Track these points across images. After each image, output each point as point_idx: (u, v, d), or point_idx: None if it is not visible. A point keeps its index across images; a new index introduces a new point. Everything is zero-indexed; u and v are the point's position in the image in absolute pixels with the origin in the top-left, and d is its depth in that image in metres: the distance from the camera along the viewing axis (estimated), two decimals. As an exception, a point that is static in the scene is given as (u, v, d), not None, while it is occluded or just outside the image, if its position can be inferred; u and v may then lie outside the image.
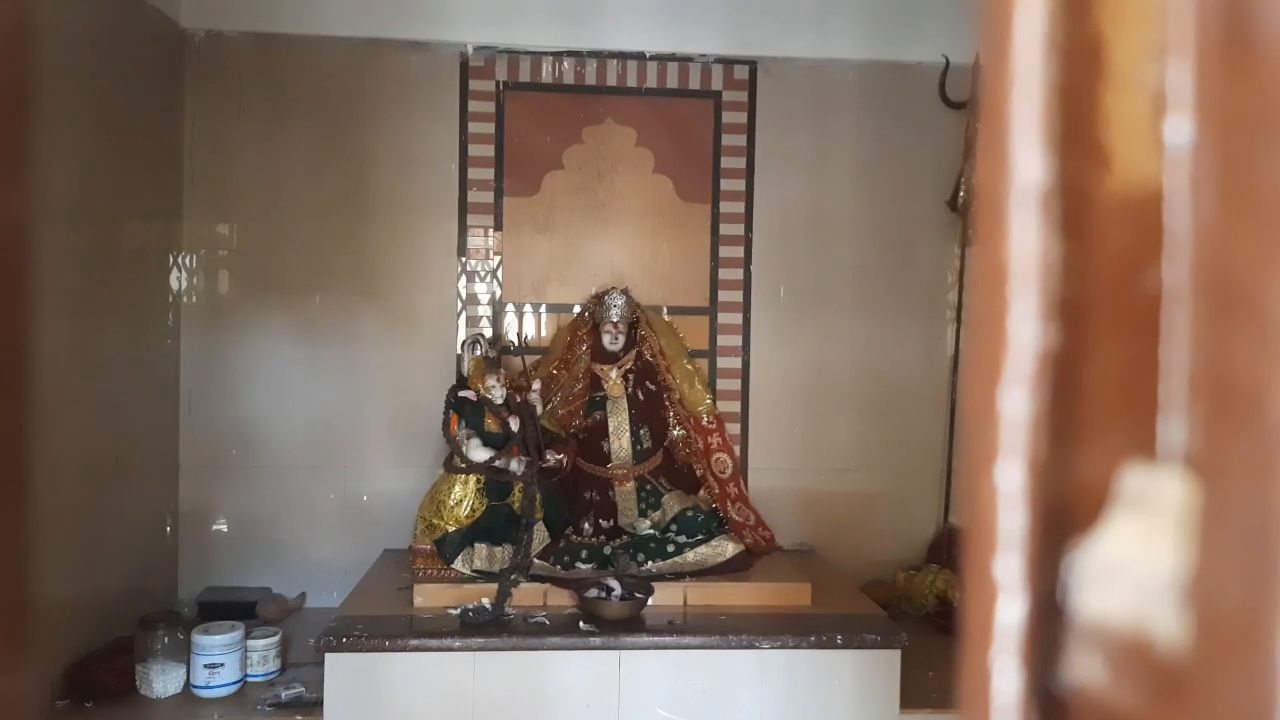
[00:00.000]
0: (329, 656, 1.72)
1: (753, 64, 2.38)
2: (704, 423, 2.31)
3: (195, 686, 1.82)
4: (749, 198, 2.39)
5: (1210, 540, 0.11)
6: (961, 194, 2.36)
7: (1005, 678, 0.10)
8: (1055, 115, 0.10)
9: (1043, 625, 0.10)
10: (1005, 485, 0.11)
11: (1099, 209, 0.10)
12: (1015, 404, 0.10)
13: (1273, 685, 0.10)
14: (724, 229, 2.40)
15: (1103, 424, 0.11)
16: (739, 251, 2.41)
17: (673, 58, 2.37)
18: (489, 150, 2.35)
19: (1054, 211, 0.10)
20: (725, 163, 2.39)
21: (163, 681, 1.82)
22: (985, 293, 0.11)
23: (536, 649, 1.74)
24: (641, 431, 2.22)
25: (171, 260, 2.26)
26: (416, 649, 1.74)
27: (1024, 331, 0.10)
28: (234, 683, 1.84)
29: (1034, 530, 0.10)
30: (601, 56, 2.35)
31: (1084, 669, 0.10)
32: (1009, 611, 0.10)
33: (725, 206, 2.39)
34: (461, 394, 2.04)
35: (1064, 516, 0.10)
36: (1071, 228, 0.10)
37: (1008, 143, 0.11)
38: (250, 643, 1.89)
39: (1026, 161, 0.10)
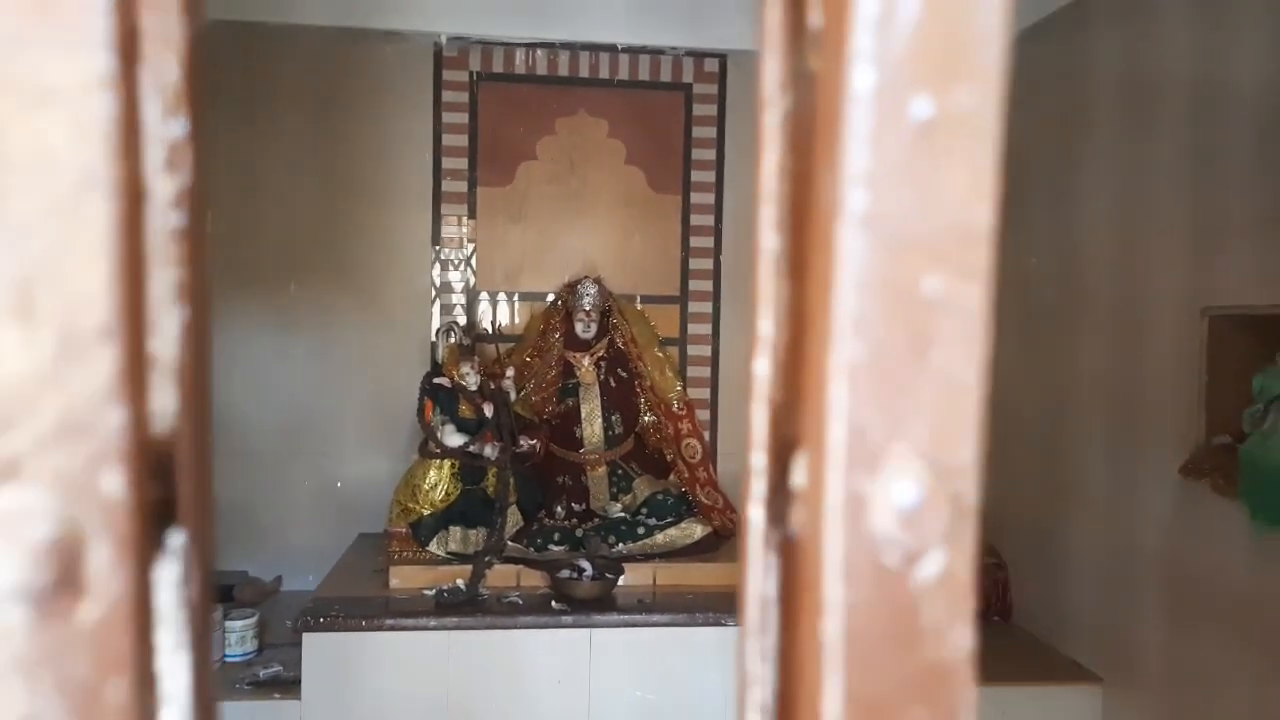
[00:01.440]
0: (306, 636, 1.80)
1: (722, 57, 2.47)
2: (674, 409, 2.40)
3: (174, 667, 1.89)
4: (719, 189, 2.48)
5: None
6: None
7: (755, 521, 0.18)
8: (784, 212, 0.18)
9: (778, 490, 0.19)
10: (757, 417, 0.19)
11: (798, 263, 0.18)
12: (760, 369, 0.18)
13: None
14: (694, 219, 2.49)
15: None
16: (709, 242, 2.51)
17: (644, 50, 2.45)
18: (463, 140, 2.42)
19: (780, 263, 0.18)
20: (696, 154, 2.48)
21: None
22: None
23: (510, 628, 1.83)
24: (613, 417, 2.31)
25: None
26: (393, 628, 1.83)
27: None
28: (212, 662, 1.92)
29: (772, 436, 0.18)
30: (574, 48, 2.42)
31: (797, 520, 0.19)
32: (758, 480, 0.18)
33: (696, 197, 2.49)
34: (436, 381, 2.12)
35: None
36: (791, 272, 0.19)
37: (758, 222, 0.19)
38: (228, 624, 1.96)
39: (767, 236, 0.19)
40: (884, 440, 0.17)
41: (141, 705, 0.17)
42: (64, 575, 0.16)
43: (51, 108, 0.16)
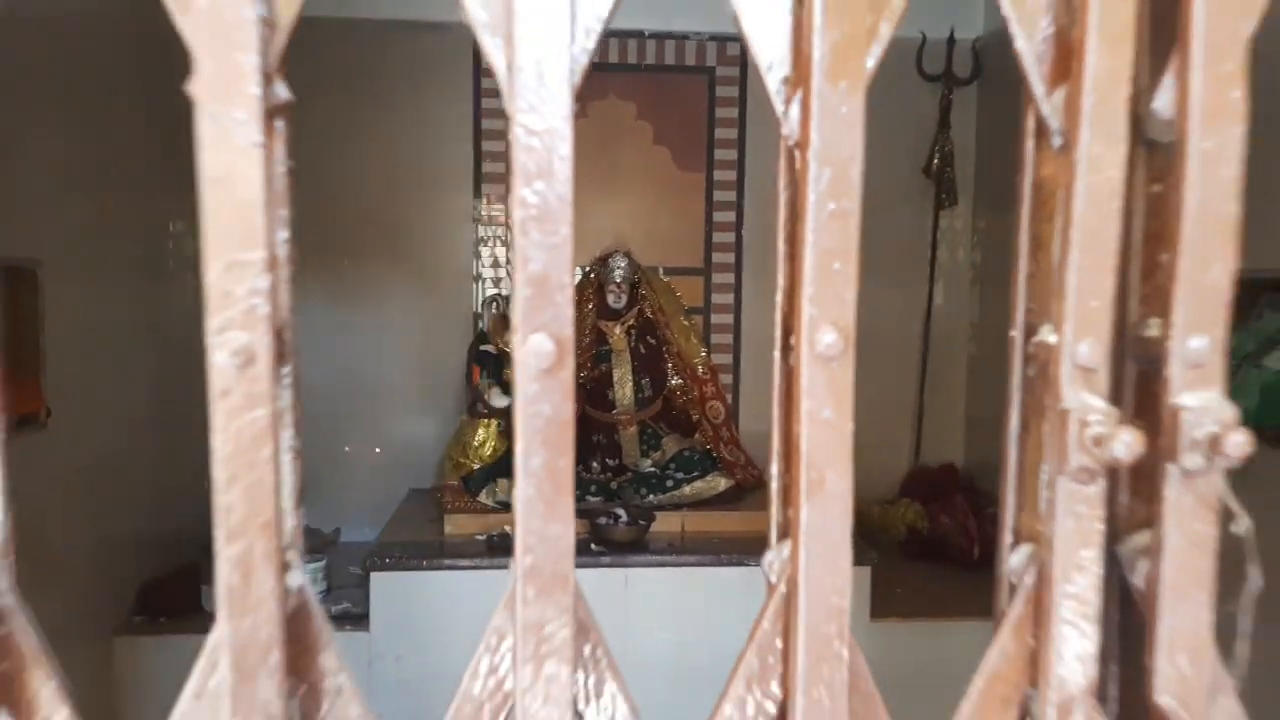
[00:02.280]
0: (374, 575, 2.05)
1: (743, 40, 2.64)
2: (699, 373, 2.61)
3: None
4: (740, 167, 2.67)
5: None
6: (935, 161, 2.65)
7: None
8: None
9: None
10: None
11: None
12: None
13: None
14: (718, 195, 2.68)
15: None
16: (731, 216, 2.70)
17: (670, 35, 2.63)
18: (502, 124, 2.62)
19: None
20: (719, 134, 2.66)
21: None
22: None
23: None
24: (643, 381, 2.53)
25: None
26: (450, 568, 2.07)
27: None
28: (289, 600, 2.17)
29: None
30: (604, 35, 2.60)
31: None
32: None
33: (719, 175, 2.67)
34: (483, 348, 2.34)
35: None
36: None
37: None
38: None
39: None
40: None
41: None
42: None
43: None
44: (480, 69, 2.60)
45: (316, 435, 2.59)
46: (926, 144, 2.63)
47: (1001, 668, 0.44)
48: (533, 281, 0.40)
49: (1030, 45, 0.43)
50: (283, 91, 0.38)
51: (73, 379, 1.81)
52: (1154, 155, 0.44)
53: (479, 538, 2.14)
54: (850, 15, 0.40)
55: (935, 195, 2.65)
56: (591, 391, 2.50)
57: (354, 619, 2.12)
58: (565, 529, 0.41)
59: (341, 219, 2.56)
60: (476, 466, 2.27)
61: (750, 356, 2.71)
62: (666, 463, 2.39)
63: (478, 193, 2.65)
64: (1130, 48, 0.41)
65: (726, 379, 2.69)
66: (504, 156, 2.63)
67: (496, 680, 0.44)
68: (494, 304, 2.43)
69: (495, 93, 2.68)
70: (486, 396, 2.31)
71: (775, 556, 0.44)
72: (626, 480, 2.34)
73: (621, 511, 2.15)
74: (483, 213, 2.65)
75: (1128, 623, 0.46)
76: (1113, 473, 0.44)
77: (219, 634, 0.40)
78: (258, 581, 0.39)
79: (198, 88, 0.36)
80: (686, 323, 2.63)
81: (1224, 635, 0.43)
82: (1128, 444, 0.39)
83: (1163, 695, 0.43)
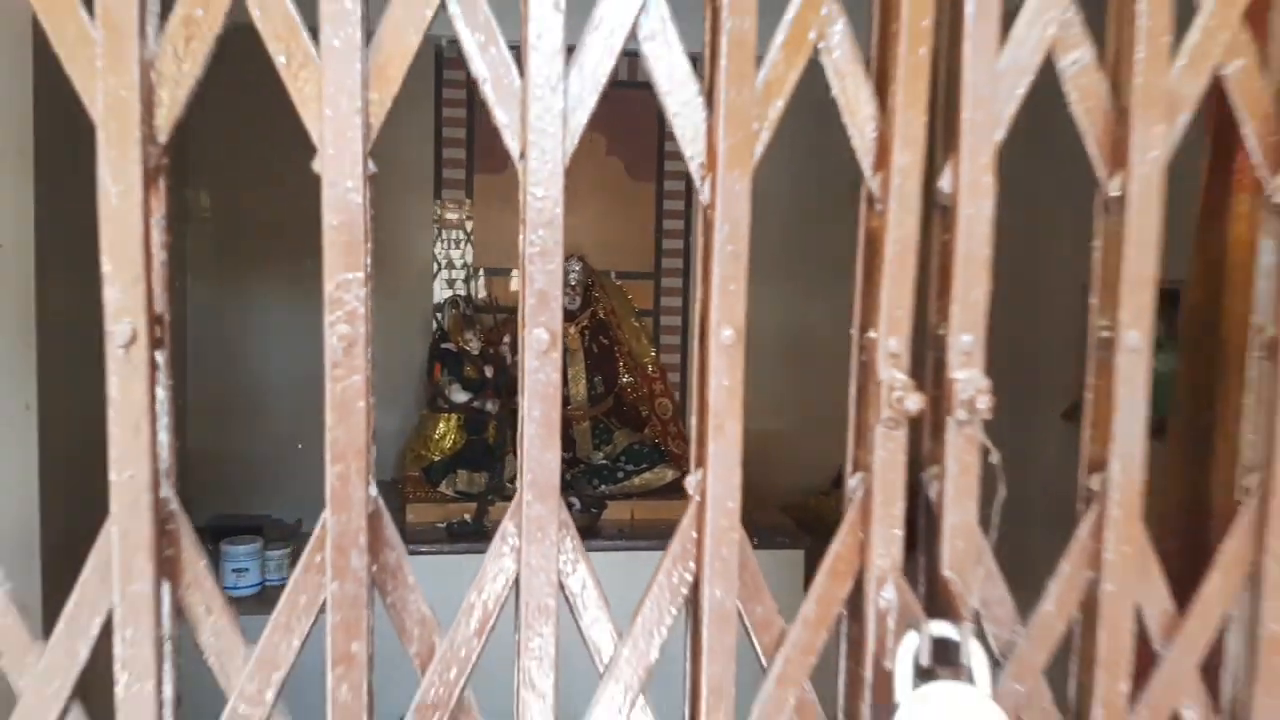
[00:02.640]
0: (341, 559, 2.25)
1: (694, 57, 2.90)
2: (649, 372, 2.86)
3: (224, 588, 2.33)
4: (688, 178, 2.92)
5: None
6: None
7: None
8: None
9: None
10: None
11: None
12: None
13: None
14: (667, 204, 2.93)
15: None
16: (680, 224, 2.95)
17: (624, 53, 2.87)
18: (461, 132, 2.83)
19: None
20: (668, 147, 2.92)
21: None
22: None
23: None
24: (596, 379, 2.76)
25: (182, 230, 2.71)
26: (412, 553, 2.26)
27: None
28: (255, 585, 2.35)
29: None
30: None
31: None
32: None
33: (669, 185, 2.92)
34: (444, 346, 2.55)
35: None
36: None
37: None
38: (268, 553, 2.40)
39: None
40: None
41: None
42: None
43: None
44: (441, 80, 2.81)
45: (278, 429, 2.77)
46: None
47: (842, 551, 0.69)
48: (536, 295, 0.63)
49: (861, 143, 0.68)
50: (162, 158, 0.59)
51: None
52: (944, 215, 0.70)
53: (439, 525, 2.35)
54: (742, 126, 0.64)
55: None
56: (547, 388, 2.72)
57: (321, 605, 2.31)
58: (554, 457, 0.65)
59: (302, 220, 2.74)
60: (437, 458, 2.48)
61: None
62: (617, 455, 2.63)
63: (438, 195, 2.85)
64: (921, 149, 0.66)
65: (675, 377, 2.94)
66: (463, 164, 2.85)
67: (504, 563, 0.67)
68: (454, 304, 2.65)
69: (456, 103, 2.90)
70: (447, 392, 2.52)
71: (693, 478, 0.69)
72: (580, 472, 2.57)
73: (575, 500, 2.39)
74: (442, 215, 2.85)
75: (928, 525, 0.71)
76: (916, 425, 0.69)
77: (325, 523, 0.63)
78: (352, 488, 0.62)
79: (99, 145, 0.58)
80: (637, 324, 2.87)
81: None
82: (916, 402, 0.64)
83: (946, 569, 0.68)
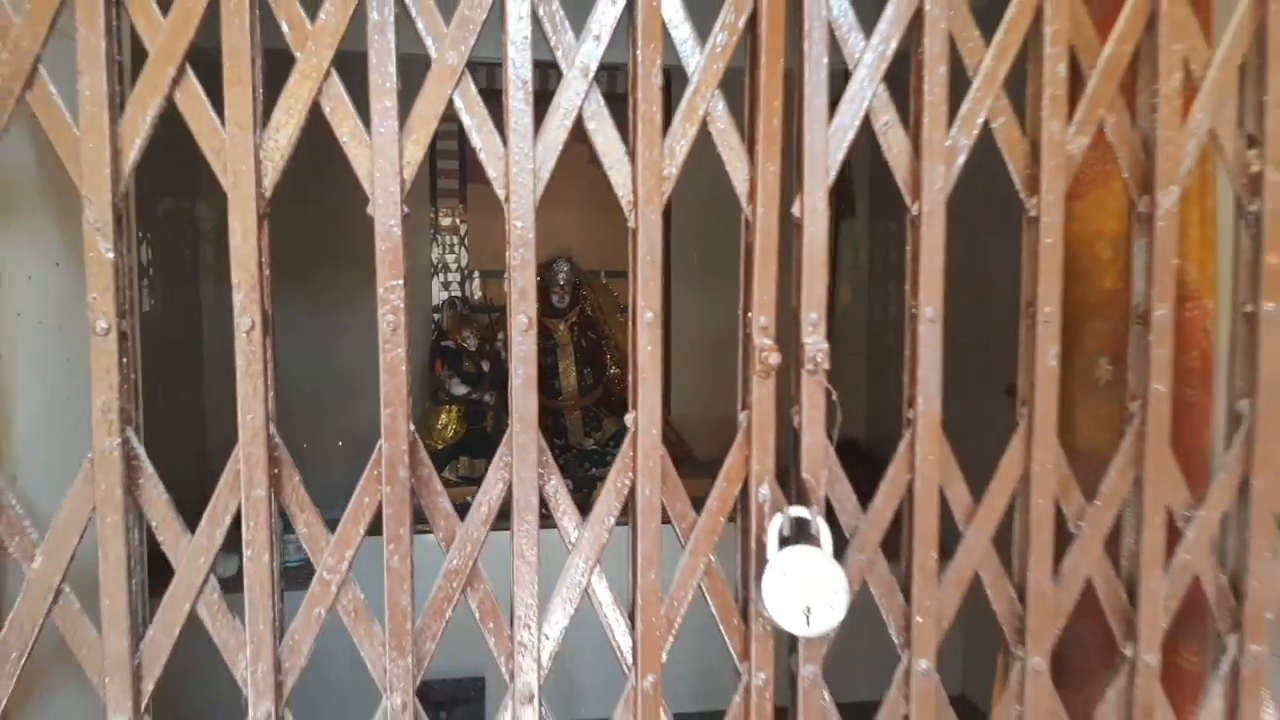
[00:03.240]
0: (356, 538, 2.62)
1: (668, 70, 3.28)
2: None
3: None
4: (668, 182, 3.30)
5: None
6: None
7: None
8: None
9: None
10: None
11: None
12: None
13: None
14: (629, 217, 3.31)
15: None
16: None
17: (604, 66, 3.24)
18: (454, 145, 3.21)
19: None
20: (648, 153, 3.29)
21: (223, 565, 2.70)
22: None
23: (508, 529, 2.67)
24: (585, 371, 3.13)
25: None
26: (422, 532, 2.65)
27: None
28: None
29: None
30: (545, 67, 3.21)
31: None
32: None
33: (649, 188, 3.30)
34: (443, 344, 2.93)
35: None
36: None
37: None
38: (286, 537, 2.77)
39: None
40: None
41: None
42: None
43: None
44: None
45: (294, 426, 3.12)
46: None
47: (733, 463, 1.06)
48: (518, 292, 1.00)
49: (739, 185, 1.05)
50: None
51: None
52: (796, 232, 1.07)
53: (445, 506, 2.72)
54: (654, 176, 1.01)
55: (834, 207, 3.31)
56: (539, 381, 3.10)
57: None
58: (533, 401, 1.02)
59: (319, 235, 3.12)
60: (440, 447, 2.85)
61: (679, 349, 3.34)
62: (606, 441, 3.00)
63: (434, 203, 3.23)
64: (777, 190, 1.03)
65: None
66: (456, 174, 3.22)
67: (501, 474, 1.04)
68: (452, 305, 3.02)
69: (450, 117, 3.26)
70: (447, 386, 2.89)
71: (630, 416, 1.05)
72: (572, 456, 2.94)
73: (570, 481, 2.76)
74: (438, 221, 3.23)
75: (793, 444, 1.08)
76: (784, 377, 1.06)
77: (380, 448, 1.00)
78: (399, 424, 0.99)
79: (230, 202, 0.96)
80: (622, 319, 3.24)
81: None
82: (776, 358, 1.01)
83: (804, 473, 1.05)
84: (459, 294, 3.21)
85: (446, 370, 2.92)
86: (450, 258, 3.24)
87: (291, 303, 3.13)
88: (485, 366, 2.91)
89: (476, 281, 3.28)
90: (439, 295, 3.23)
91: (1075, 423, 1.48)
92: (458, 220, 3.25)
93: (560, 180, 1.09)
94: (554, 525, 1.08)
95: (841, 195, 3.31)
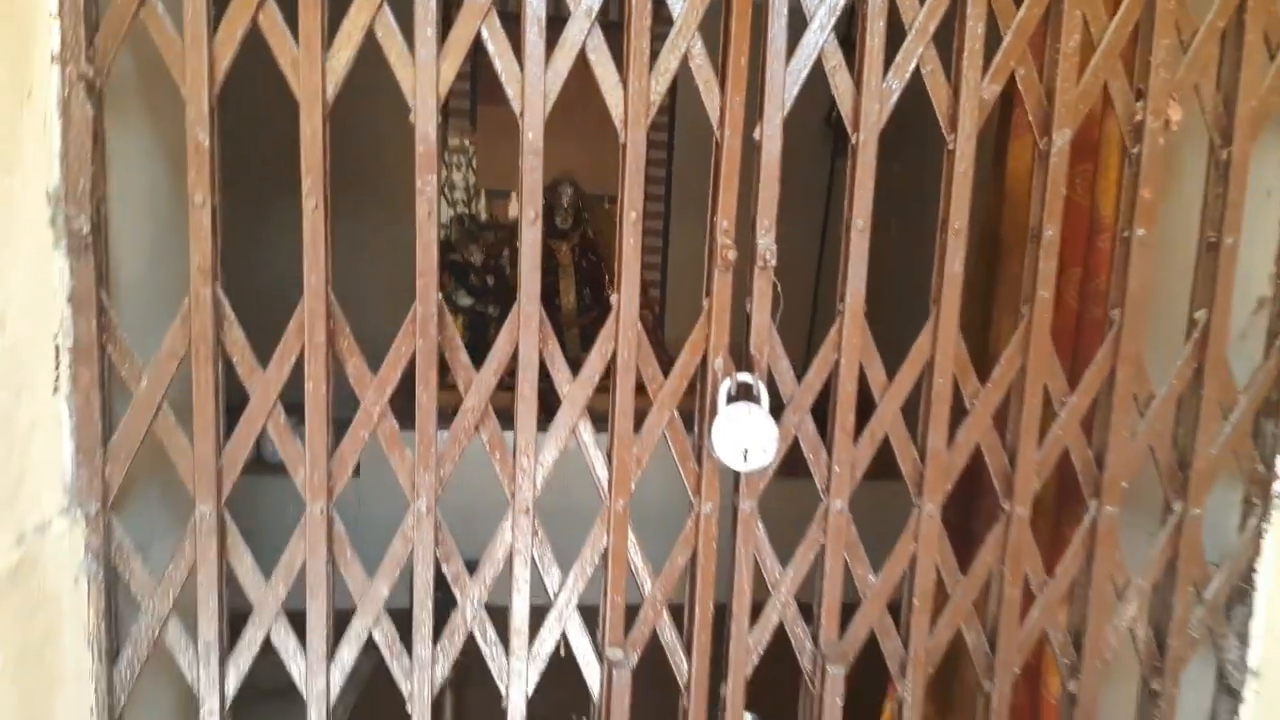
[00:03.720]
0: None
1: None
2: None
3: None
4: (672, 114, 3.57)
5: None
6: (835, 112, 3.57)
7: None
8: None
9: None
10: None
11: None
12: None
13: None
14: (653, 136, 3.57)
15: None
16: (664, 155, 3.60)
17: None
18: (466, 66, 3.47)
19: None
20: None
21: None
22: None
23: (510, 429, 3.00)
24: (584, 292, 3.44)
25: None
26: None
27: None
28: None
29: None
30: None
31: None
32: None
33: (655, 119, 3.57)
34: (451, 257, 3.24)
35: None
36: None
37: None
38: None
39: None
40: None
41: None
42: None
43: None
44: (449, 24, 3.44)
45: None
46: (827, 95, 3.55)
47: (696, 338, 1.37)
48: (528, 191, 1.31)
49: (712, 114, 1.35)
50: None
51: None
52: (757, 152, 1.36)
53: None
54: (641, 99, 1.31)
55: (832, 143, 3.58)
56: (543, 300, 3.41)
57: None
58: (538, 279, 1.33)
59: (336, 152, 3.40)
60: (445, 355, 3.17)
61: (675, 274, 3.65)
62: (601, 357, 3.32)
63: (444, 122, 3.50)
64: (741, 117, 1.33)
65: (655, 292, 3.62)
66: (468, 94, 3.49)
67: (510, 335, 1.36)
68: (460, 221, 3.32)
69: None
70: (454, 297, 3.21)
71: (614, 296, 1.37)
72: (567, 369, 3.27)
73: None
74: (448, 141, 3.51)
75: (746, 325, 1.39)
76: (741, 273, 1.37)
77: (414, 309, 1.31)
78: (430, 291, 1.30)
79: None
80: (622, 244, 3.54)
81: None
82: (734, 254, 1.32)
83: (752, 349, 1.37)
84: (466, 211, 3.51)
85: (453, 283, 3.23)
86: (458, 176, 3.53)
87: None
88: (490, 280, 3.22)
89: (483, 200, 3.57)
90: (447, 213, 3.53)
91: (995, 324, 1.81)
92: (466, 141, 3.52)
93: (568, 108, 1.38)
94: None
95: (839, 129, 3.58)
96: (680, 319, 3.66)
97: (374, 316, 3.54)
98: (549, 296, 3.40)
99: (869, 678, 1.57)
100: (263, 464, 1.83)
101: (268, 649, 1.35)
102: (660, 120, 3.56)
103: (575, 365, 1.40)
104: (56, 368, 1.23)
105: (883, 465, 1.44)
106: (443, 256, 3.45)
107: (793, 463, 1.41)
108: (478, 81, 3.46)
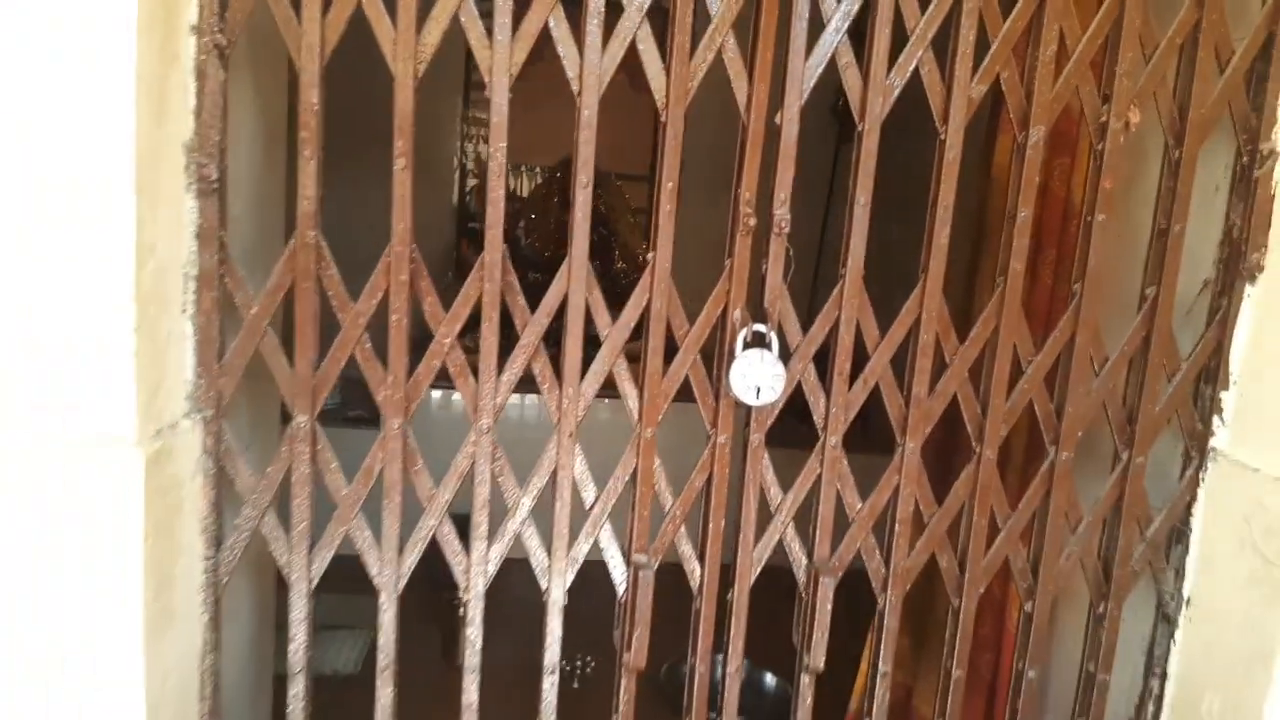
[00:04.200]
0: (386, 387, 3.25)
1: (695, -10, 3.82)
2: (640, 262, 3.83)
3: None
4: (684, 95, 3.85)
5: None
6: (841, 101, 3.87)
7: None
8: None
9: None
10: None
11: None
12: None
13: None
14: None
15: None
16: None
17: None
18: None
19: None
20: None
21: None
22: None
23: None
24: (595, 263, 3.74)
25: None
26: (441, 386, 3.28)
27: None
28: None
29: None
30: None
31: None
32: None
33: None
34: (470, 225, 3.52)
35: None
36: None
37: None
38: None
39: None
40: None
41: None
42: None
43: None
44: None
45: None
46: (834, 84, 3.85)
47: (719, 292, 1.67)
48: (581, 160, 1.60)
49: (741, 100, 1.64)
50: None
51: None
52: (779, 133, 1.66)
53: (464, 367, 3.35)
54: (681, 84, 1.61)
55: (837, 130, 3.88)
56: (552, 268, 3.70)
57: (367, 422, 3.32)
58: (586, 237, 1.63)
59: (353, 117, 3.68)
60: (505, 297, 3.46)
61: (685, 248, 3.94)
62: (609, 326, 3.62)
63: (466, 99, 3.79)
64: (766, 104, 1.63)
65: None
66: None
67: (558, 294, 1.65)
68: (479, 190, 3.61)
69: (485, 15, 3.80)
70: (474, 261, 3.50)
71: (651, 254, 1.66)
72: (577, 336, 3.56)
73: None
74: (470, 114, 3.79)
75: (763, 284, 1.69)
76: (759, 237, 1.67)
77: (482, 259, 1.61)
78: (495, 244, 1.60)
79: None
80: (633, 220, 3.84)
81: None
82: (753, 220, 1.62)
83: (766, 303, 1.67)
84: (481, 183, 3.79)
85: (472, 250, 3.52)
86: (483, 149, 3.81)
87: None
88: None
89: (502, 172, 3.84)
90: (469, 184, 3.81)
91: (976, 295, 2.11)
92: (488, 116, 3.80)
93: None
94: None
95: (844, 117, 3.87)
96: (683, 286, 3.94)
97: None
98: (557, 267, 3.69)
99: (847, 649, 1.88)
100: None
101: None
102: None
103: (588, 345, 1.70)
104: (184, 292, 1.51)
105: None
106: (462, 224, 3.75)
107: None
108: (500, 57, 3.75)
